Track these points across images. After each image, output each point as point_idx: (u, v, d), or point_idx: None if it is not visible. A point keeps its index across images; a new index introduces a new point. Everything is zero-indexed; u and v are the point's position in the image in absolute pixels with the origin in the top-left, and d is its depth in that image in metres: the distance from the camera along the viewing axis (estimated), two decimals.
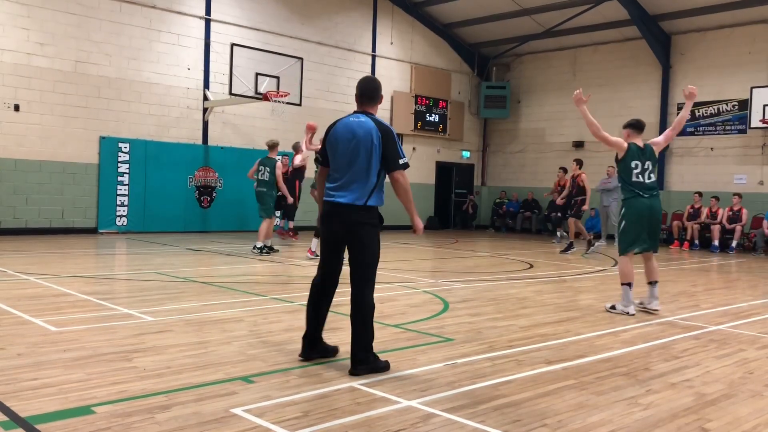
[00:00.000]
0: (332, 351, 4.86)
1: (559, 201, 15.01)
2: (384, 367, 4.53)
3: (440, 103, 21.99)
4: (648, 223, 7.14)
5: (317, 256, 11.28)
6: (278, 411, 3.67)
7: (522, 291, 8.67)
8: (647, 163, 7.15)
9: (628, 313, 7.08)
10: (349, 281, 4.54)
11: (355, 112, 4.72)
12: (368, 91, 4.70)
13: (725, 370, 4.94)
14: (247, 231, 17.05)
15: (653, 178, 7.21)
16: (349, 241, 4.57)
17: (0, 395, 3.74)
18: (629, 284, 7.14)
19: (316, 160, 4.19)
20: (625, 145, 7.17)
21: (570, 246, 14.44)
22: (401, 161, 4.52)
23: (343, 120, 4.66)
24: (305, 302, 4.84)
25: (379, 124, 4.54)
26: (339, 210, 4.53)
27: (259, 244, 12.05)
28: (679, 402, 4.11)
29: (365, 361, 4.47)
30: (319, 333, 4.79)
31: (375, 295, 4.56)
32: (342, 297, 7.56)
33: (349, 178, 4.52)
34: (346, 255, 4.67)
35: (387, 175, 4.57)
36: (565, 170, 16.55)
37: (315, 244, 11.35)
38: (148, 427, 3.37)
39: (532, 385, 4.32)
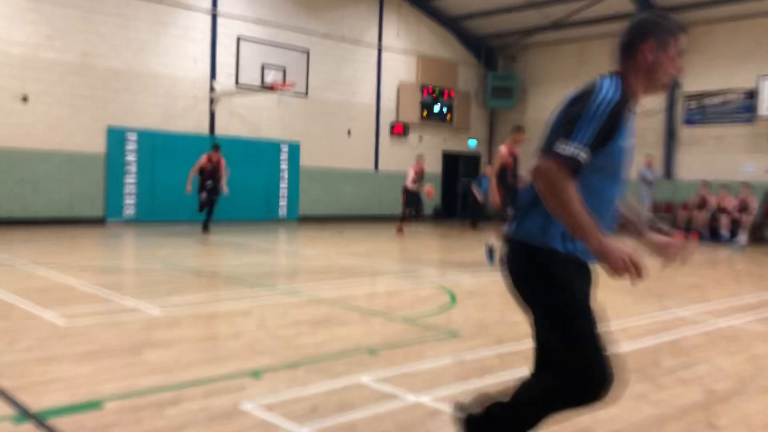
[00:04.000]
0: None
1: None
2: None
3: (446, 93, 21.90)
4: None
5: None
6: (287, 406, 3.67)
7: None
8: None
9: None
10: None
11: None
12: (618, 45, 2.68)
13: (735, 366, 4.91)
14: (253, 221, 17.08)
15: None
16: None
17: (11, 389, 3.76)
18: None
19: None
20: None
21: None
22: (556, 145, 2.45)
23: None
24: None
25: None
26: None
27: None
28: (689, 398, 4.09)
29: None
30: None
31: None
32: (341, 290, 7.55)
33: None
34: None
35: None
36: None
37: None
38: (156, 421, 3.37)
39: None
